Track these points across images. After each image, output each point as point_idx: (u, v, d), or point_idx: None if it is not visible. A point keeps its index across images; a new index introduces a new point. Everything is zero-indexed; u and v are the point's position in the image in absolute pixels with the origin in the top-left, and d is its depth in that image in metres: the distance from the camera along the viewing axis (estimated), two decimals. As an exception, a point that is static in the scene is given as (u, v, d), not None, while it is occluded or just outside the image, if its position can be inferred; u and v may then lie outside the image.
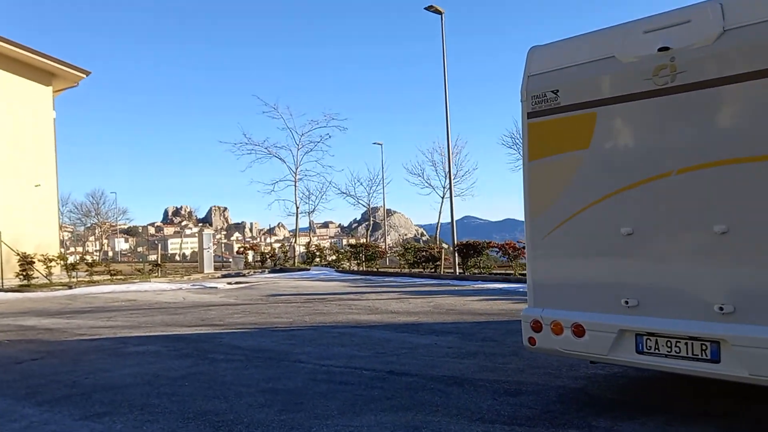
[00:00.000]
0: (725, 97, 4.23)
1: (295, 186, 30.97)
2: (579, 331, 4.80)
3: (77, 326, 10.73)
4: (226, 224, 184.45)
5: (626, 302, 4.57)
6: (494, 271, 19.61)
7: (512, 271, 18.71)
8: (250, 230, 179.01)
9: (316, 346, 8.13)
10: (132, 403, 5.44)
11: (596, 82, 4.83)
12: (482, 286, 16.71)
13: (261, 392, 5.77)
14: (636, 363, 4.63)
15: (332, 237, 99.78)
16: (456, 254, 19.68)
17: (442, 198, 34.07)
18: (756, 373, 3.95)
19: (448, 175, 20.92)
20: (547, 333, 5.03)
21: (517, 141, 31.43)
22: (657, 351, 4.43)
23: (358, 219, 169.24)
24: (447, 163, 33.14)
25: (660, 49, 4.43)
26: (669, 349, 4.38)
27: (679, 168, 4.36)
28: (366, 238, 41.69)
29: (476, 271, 19.57)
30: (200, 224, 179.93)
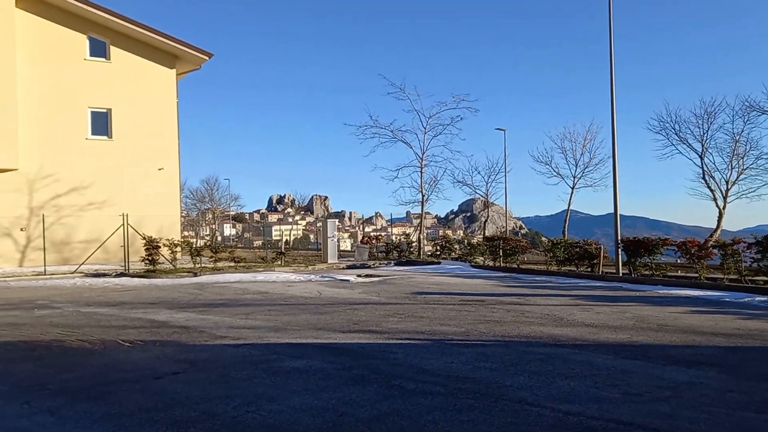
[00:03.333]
0: None
1: (421, 172, 29.02)
2: None
3: (214, 324, 9.26)
4: (326, 213, 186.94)
5: None
6: (669, 274, 16.59)
7: (696, 275, 15.65)
8: (349, 219, 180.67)
9: (530, 376, 6.01)
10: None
11: None
12: (668, 292, 13.84)
13: (512, 463, 3.74)
14: None
15: (428, 228, 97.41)
16: (619, 252, 16.91)
17: (572, 188, 30.86)
18: None
19: (612, 158, 17.82)
20: None
21: (666, 126, 27.26)
22: None
23: (455, 210, 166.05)
24: (581, 150, 30.27)
25: None
26: None
27: None
28: (483, 229, 39.14)
29: (647, 272, 16.64)
30: (302, 212, 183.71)
